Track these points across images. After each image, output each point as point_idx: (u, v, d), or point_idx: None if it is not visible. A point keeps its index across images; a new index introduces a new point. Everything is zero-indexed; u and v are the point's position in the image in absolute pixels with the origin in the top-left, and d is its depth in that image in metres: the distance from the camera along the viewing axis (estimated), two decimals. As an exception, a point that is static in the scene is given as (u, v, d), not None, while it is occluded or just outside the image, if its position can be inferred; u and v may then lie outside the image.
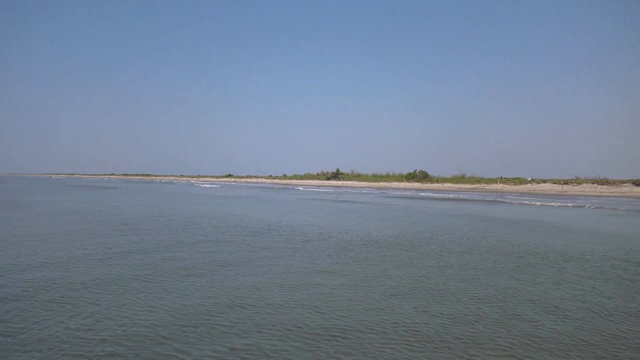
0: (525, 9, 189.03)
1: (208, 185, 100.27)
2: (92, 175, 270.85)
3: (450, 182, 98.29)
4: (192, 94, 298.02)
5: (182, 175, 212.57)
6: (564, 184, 79.38)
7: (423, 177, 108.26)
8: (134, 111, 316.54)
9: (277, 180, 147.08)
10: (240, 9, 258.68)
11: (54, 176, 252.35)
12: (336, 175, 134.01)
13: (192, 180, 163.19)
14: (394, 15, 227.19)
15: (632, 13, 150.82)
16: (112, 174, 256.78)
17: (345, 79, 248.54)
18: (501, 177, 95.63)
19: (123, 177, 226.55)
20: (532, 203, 43.39)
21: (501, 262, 12.42)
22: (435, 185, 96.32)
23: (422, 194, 63.53)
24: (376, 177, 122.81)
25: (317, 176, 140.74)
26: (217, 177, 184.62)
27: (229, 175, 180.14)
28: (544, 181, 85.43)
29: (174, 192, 59.42)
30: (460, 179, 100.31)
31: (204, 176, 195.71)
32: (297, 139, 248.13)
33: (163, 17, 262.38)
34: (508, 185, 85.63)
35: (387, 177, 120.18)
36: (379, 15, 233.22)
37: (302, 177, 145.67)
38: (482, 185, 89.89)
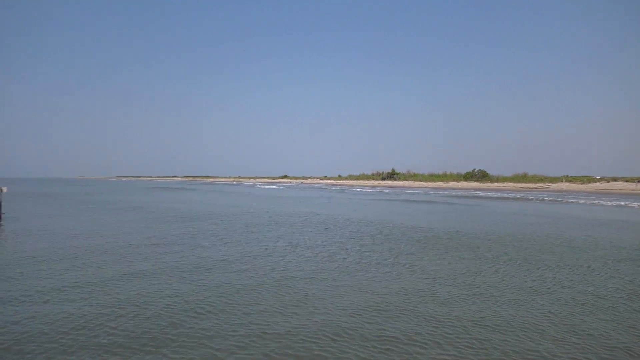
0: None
1: (274, 187, 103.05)
2: (157, 177, 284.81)
3: (511, 181, 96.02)
4: (250, 99, 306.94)
5: (239, 177, 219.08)
6: (638, 182, 75.65)
7: (482, 176, 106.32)
8: (193, 116, 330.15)
9: (332, 181, 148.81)
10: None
11: (122, 179, 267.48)
12: (391, 175, 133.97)
13: (251, 182, 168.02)
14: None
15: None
16: (175, 176, 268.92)
17: (392, 80, 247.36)
18: (566, 176, 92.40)
19: (184, 179, 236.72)
20: (604, 203, 42.22)
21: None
22: (495, 185, 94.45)
23: (482, 193, 62.95)
24: (433, 177, 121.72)
25: (372, 176, 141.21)
26: (274, 178, 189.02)
27: (285, 177, 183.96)
28: (615, 179, 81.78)
29: (246, 194, 62.29)
30: (522, 177, 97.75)
31: (260, 177, 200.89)
32: (350, 139, 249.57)
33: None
34: (574, 184, 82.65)
35: (444, 177, 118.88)
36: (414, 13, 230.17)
37: (357, 178, 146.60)
38: (546, 184, 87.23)
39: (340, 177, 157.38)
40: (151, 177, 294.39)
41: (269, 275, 10.86)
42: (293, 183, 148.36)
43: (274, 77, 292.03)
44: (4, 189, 25.96)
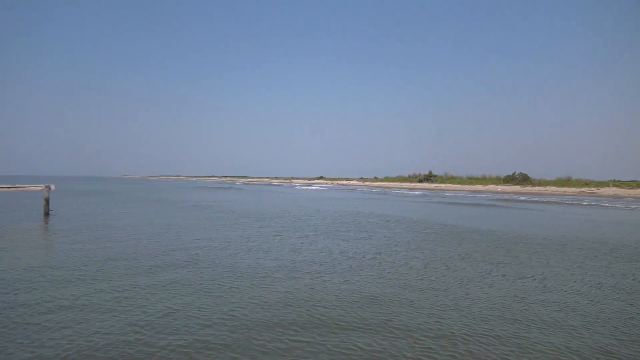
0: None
1: (313, 188, 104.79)
2: (195, 177, 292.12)
3: (553, 185, 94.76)
4: (284, 100, 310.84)
5: (276, 177, 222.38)
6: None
7: (523, 179, 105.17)
8: (231, 116, 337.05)
9: (368, 183, 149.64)
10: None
11: (162, 178, 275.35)
12: (428, 178, 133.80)
13: (287, 182, 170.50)
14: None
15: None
16: (213, 176, 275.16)
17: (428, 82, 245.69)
18: (614, 180, 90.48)
19: (223, 179, 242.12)
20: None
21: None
22: (536, 189, 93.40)
23: (521, 197, 62.92)
24: (471, 180, 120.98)
25: (409, 178, 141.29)
26: (310, 179, 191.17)
27: (321, 178, 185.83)
28: (666, 184, 79.75)
29: (295, 194, 64.33)
30: (566, 181, 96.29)
31: (296, 178, 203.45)
32: (385, 141, 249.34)
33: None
34: (622, 189, 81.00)
35: (482, 180, 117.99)
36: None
37: (393, 179, 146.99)
38: (592, 189, 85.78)
39: (376, 179, 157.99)
40: (189, 176, 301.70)
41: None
42: (329, 184, 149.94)
43: (297, 77, 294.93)
44: (52, 187, 28.37)
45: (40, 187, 27.47)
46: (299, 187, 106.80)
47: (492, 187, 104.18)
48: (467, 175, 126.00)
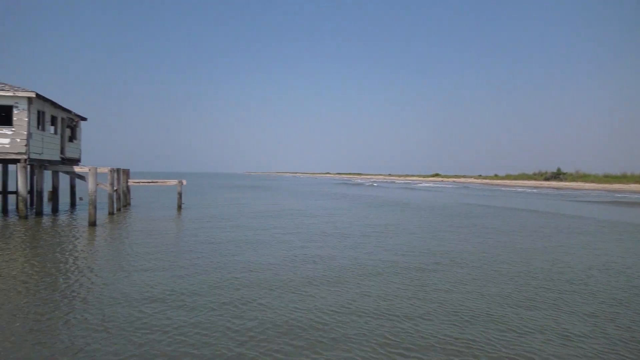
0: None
1: (437, 185, 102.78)
2: (312, 173, 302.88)
3: None
4: (387, 97, 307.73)
5: (389, 174, 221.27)
6: None
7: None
8: (337, 112, 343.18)
9: (487, 181, 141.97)
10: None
11: (283, 174, 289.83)
12: (557, 176, 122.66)
13: (402, 180, 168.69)
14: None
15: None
16: (328, 173, 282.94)
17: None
18: None
19: (337, 175, 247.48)
20: None
21: None
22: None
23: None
24: (608, 178, 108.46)
25: (534, 176, 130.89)
26: (424, 176, 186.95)
27: (436, 175, 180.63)
28: None
29: (438, 193, 64.06)
30: None
31: (410, 175, 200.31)
32: (506, 136, 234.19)
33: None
34: None
35: (622, 178, 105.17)
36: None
37: (515, 177, 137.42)
38: None
39: (496, 177, 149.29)
40: (306, 173, 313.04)
41: None
42: (445, 182, 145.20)
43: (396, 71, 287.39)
44: (184, 182, 31.49)
45: (174, 182, 30.96)
46: (420, 186, 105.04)
47: (634, 186, 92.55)
48: (603, 173, 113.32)
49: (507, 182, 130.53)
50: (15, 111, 21.56)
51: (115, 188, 25.44)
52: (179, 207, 30.19)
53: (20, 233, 17.77)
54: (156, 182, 31.83)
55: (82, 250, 14.56)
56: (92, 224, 19.77)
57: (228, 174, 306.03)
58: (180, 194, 31.10)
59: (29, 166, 22.31)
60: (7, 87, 21.89)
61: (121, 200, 28.17)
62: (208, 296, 9.16)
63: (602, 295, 9.87)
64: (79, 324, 7.40)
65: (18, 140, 21.51)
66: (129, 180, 30.71)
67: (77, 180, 29.63)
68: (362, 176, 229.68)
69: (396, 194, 56.13)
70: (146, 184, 31.91)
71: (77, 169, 25.31)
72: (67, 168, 25.58)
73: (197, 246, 15.17)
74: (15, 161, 22.16)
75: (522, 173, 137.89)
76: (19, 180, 21.99)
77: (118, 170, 27.11)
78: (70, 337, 6.83)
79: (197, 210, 29.02)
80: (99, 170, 22.86)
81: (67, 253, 13.97)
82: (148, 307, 8.40)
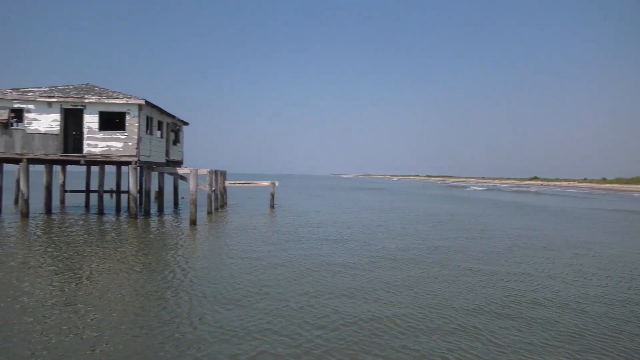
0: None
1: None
2: (398, 176, 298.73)
3: None
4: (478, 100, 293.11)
5: (482, 178, 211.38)
6: None
7: None
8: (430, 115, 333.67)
9: (592, 185, 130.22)
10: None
11: (341, 175, 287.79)
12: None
13: (489, 183, 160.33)
14: None
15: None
16: (417, 175, 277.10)
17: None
18: None
19: (427, 178, 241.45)
20: None
21: None
22: None
23: None
24: None
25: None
26: (522, 179, 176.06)
27: (535, 178, 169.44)
28: None
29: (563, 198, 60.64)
30: None
31: (505, 179, 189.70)
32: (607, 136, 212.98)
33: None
34: None
35: None
36: None
37: (627, 181, 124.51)
38: None
39: (604, 180, 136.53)
40: (394, 175, 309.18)
41: None
42: (544, 186, 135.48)
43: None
44: (276, 183, 32.39)
45: (267, 183, 31.92)
46: (541, 189, 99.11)
47: None
48: None
49: (619, 186, 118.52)
50: (127, 117, 23.46)
51: (213, 188, 26.74)
52: (272, 207, 31.07)
53: (132, 230, 19.25)
54: (250, 183, 33.05)
55: (185, 247, 15.38)
56: (193, 222, 20.89)
57: (316, 176, 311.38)
58: (273, 195, 31.98)
59: (138, 168, 24.15)
60: (120, 95, 23.91)
61: (218, 200, 29.57)
62: (301, 290, 9.15)
63: None
64: (184, 319, 7.69)
65: (130, 144, 23.39)
66: (226, 182, 32.18)
67: (180, 181, 31.65)
68: (455, 179, 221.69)
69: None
70: (241, 185, 33.25)
71: (180, 170, 26.99)
72: (171, 169, 27.38)
73: (290, 243, 15.39)
74: (127, 163, 24.11)
75: (636, 177, 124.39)
76: (130, 180, 23.89)
77: (216, 171, 28.48)
78: (176, 332, 7.10)
79: (289, 210, 29.66)
80: (199, 172, 24.15)
81: (173, 249, 14.83)
82: (245, 301, 8.53)
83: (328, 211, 30.76)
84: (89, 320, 7.58)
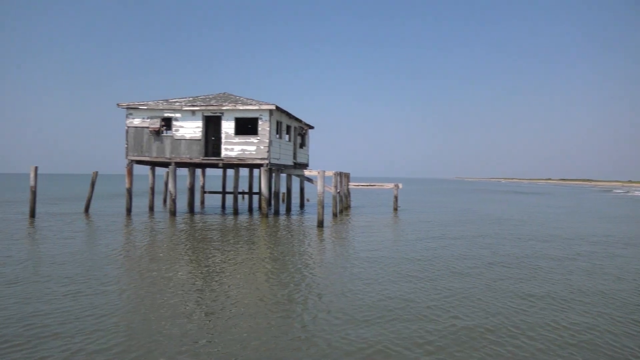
0: None
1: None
2: (528, 179, 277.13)
3: None
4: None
5: (629, 181, 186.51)
6: None
7: None
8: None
9: None
10: None
11: (465, 179, 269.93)
12: None
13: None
14: None
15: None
16: (549, 179, 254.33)
17: None
18: None
19: (561, 181, 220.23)
20: None
21: None
22: None
23: None
24: None
25: None
26: (630, 182, 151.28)
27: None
28: None
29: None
30: None
31: (611, 181, 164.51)
32: None
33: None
34: None
35: None
36: None
37: None
38: None
39: None
40: (522, 179, 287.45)
41: None
42: None
43: None
44: (400, 186, 31.52)
45: (391, 185, 31.48)
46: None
47: None
48: None
49: None
50: (259, 122, 24.77)
51: (338, 190, 27.05)
52: (395, 210, 30.54)
53: (264, 231, 20.19)
54: (374, 185, 32.89)
55: (314, 247, 15.66)
56: (320, 223, 21.27)
57: (438, 180, 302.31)
58: (396, 197, 31.44)
59: (269, 170, 25.38)
60: (253, 101, 25.34)
61: (343, 202, 29.87)
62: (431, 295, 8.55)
63: None
64: (314, 318, 7.62)
65: (262, 147, 24.65)
66: (350, 183, 32.42)
67: (305, 183, 32.64)
68: (597, 182, 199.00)
69: None
70: (365, 187, 33.25)
71: (306, 172, 27.80)
72: (298, 172, 28.33)
73: (414, 245, 14.79)
74: (259, 166, 25.46)
75: None
76: (262, 182, 25.19)
77: (341, 173, 28.81)
78: (306, 329, 7.04)
79: (415, 213, 28.83)
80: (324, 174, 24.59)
81: (302, 249, 15.17)
82: (374, 319, 8.22)
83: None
84: (209, 310, 7.90)
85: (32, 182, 23.05)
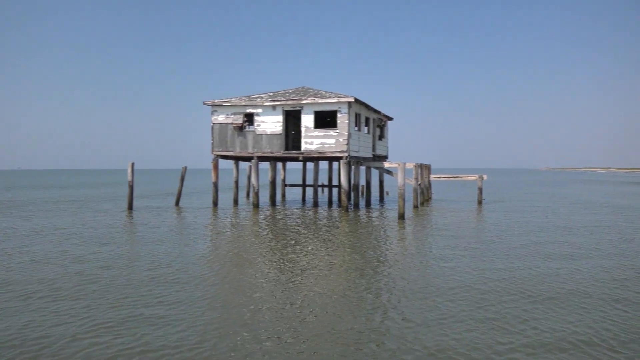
0: None
1: None
2: (629, 169, 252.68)
3: None
4: None
5: None
6: None
7: None
8: None
9: None
10: None
11: (556, 169, 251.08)
12: None
13: None
14: None
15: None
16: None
17: None
18: None
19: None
20: None
21: None
22: None
23: None
24: None
25: None
26: None
27: None
28: None
29: None
30: None
31: None
32: None
33: None
34: None
35: None
36: None
37: None
38: None
39: None
40: (611, 168, 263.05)
41: None
42: None
43: None
44: (484, 177, 29.90)
45: (475, 177, 30.11)
46: None
47: None
48: None
49: None
50: (338, 115, 24.72)
51: (419, 182, 26.35)
52: (479, 202, 29.20)
53: (344, 223, 20.16)
54: (457, 177, 31.67)
55: (396, 241, 15.35)
56: (401, 216, 20.81)
57: (523, 170, 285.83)
58: (480, 189, 30.04)
59: (348, 163, 25.28)
60: (332, 94, 25.32)
61: (424, 195, 29.08)
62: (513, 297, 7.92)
63: None
64: (398, 314, 7.38)
65: (341, 140, 24.60)
66: (431, 175, 31.48)
67: (385, 175, 32.19)
68: None
69: None
70: (447, 178, 32.13)
71: (386, 164, 27.37)
72: (378, 164, 27.97)
73: (500, 243, 13.91)
74: (338, 158, 25.46)
75: None
76: (341, 175, 25.17)
77: (421, 165, 28.02)
78: (393, 327, 6.82)
79: (502, 206, 27.33)
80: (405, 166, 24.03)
81: (384, 243, 14.93)
82: (455, 298, 7.79)
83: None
84: (292, 305, 7.90)
85: (129, 178, 24.85)
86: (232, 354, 5.96)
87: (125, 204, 26.67)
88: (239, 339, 6.47)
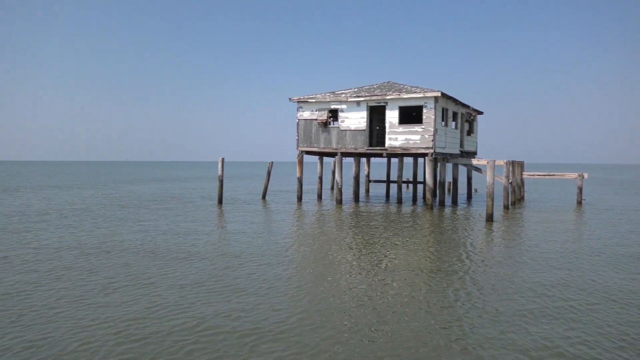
0: None
1: None
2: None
3: None
4: None
5: None
6: None
7: None
8: None
9: None
10: None
11: None
12: None
13: None
14: None
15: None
16: None
17: None
18: None
19: None
20: None
21: None
22: None
23: None
24: None
25: None
26: None
27: None
28: None
29: None
30: None
31: None
32: None
33: None
34: None
35: None
36: None
37: None
38: None
39: None
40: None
41: None
42: None
43: None
44: (585, 175, 27.75)
45: (574, 175, 27.83)
46: None
47: None
48: None
49: None
50: (424, 110, 24.05)
51: (510, 181, 24.88)
52: (579, 203, 26.93)
53: (428, 222, 19.62)
54: (553, 175, 29.53)
55: (481, 244, 14.63)
56: (489, 217, 19.80)
57: (629, 166, 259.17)
58: (580, 189, 27.70)
59: (434, 159, 24.51)
60: (418, 89, 24.66)
61: (515, 194, 27.44)
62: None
63: None
64: (476, 315, 6.99)
65: (426, 136, 23.92)
66: (524, 173, 29.62)
67: (473, 173, 30.80)
68: None
69: None
70: (542, 176, 30.05)
71: (474, 161, 26.18)
72: (465, 161, 26.85)
73: (607, 246, 12.65)
74: (423, 155, 24.80)
75: None
76: (426, 172, 24.52)
77: (513, 162, 26.42)
78: (467, 327, 6.48)
79: (603, 207, 24.97)
80: (495, 163, 22.78)
81: (469, 245, 14.30)
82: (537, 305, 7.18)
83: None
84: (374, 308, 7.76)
85: (219, 172, 26.13)
86: (322, 344, 6.06)
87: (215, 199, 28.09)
88: (331, 329, 6.56)
